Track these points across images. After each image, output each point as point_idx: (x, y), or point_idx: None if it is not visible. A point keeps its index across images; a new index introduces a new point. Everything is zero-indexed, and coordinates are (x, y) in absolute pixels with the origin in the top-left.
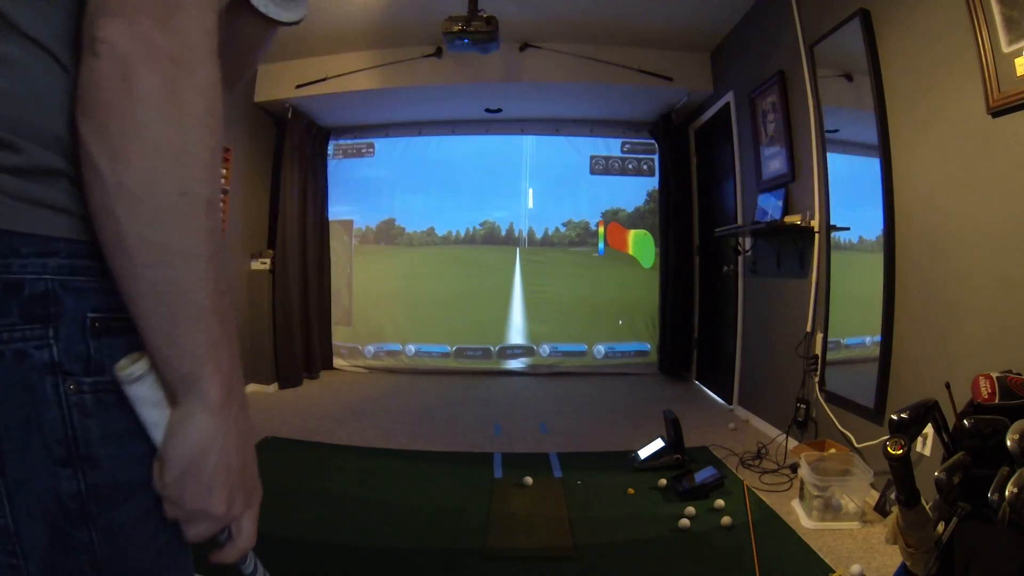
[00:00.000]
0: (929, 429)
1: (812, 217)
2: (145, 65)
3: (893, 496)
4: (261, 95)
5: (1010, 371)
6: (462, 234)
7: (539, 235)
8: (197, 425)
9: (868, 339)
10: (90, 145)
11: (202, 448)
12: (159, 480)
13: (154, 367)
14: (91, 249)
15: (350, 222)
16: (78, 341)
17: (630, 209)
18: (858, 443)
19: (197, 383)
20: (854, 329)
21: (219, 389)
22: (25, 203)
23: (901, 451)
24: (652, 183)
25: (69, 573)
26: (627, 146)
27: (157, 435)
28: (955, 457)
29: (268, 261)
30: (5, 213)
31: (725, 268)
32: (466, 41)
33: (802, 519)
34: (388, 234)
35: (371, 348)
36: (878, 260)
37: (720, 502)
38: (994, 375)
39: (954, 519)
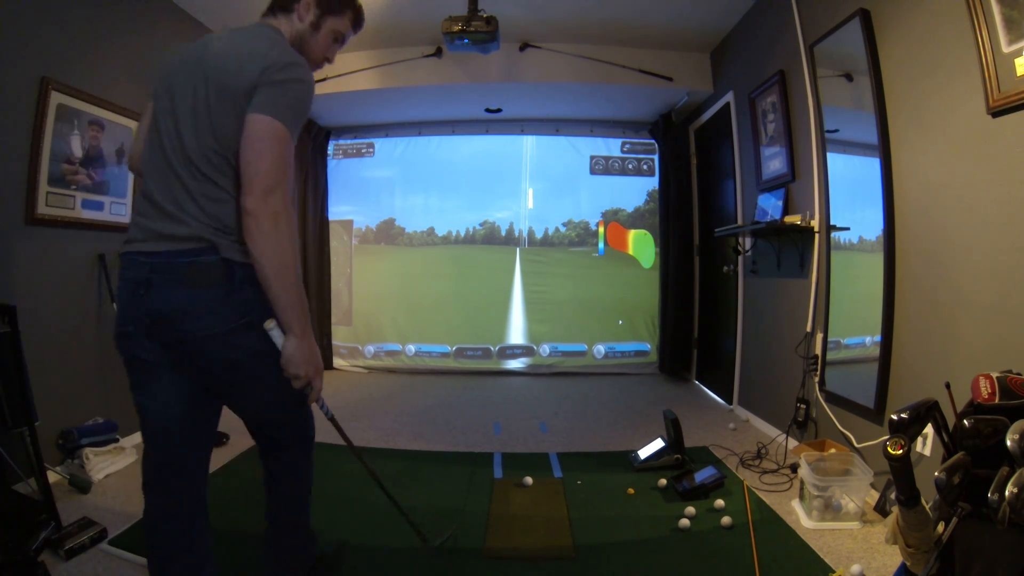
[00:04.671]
0: (929, 429)
1: (812, 217)
2: (271, 218)
3: (893, 496)
4: None
5: (1010, 371)
6: (462, 234)
7: (539, 235)
8: (292, 343)
9: (868, 339)
10: (257, 255)
11: (294, 348)
12: (283, 363)
13: (278, 323)
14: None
15: (350, 222)
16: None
17: (630, 209)
18: (858, 443)
19: (291, 328)
20: (854, 329)
21: (299, 332)
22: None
23: (901, 451)
24: (652, 183)
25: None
26: (627, 146)
27: (279, 343)
28: (955, 457)
29: None
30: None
31: (725, 268)
32: (466, 41)
33: (802, 519)
34: (388, 234)
35: (371, 348)
36: (878, 260)
37: (720, 502)
38: (994, 375)
39: (954, 519)
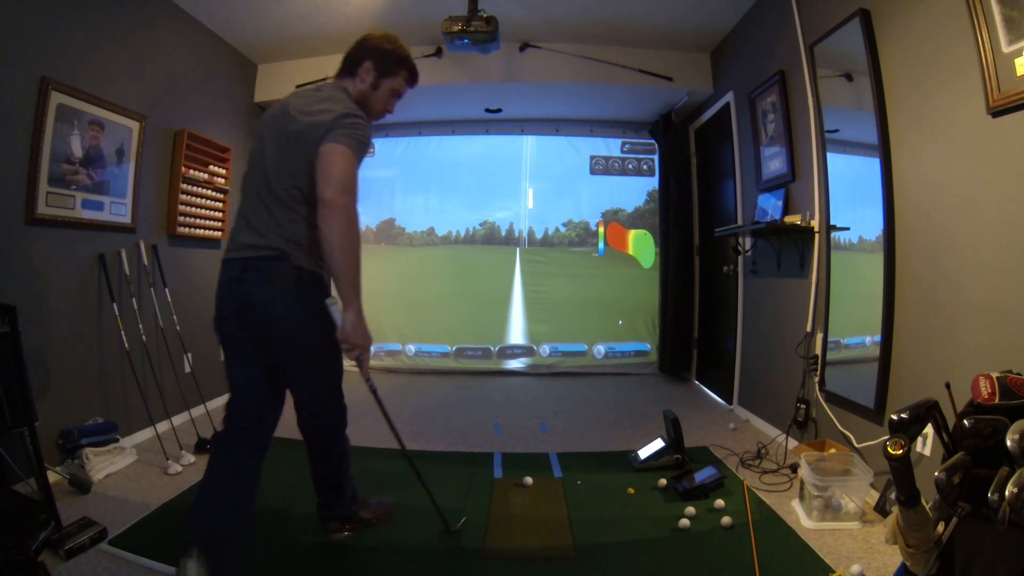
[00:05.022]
0: (929, 429)
1: (812, 217)
2: (344, 207)
3: (893, 496)
4: (261, 95)
5: (1010, 371)
6: (462, 234)
7: (539, 235)
8: (351, 316)
9: (868, 339)
10: (329, 234)
11: (352, 324)
12: (341, 336)
13: (337, 300)
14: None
15: None
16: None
17: (630, 209)
18: (858, 443)
19: (350, 303)
20: (854, 329)
21: (355, 307)
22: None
23: (901, 451)
24: (652, 183)
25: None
26: (627, 146)
27: (338, 319)
28: (955, 457)
29: None
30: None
31: (725, 268)
32: (466, 41)
33: (802, 519)
34: (388, 234)
35: (371, 348)
36: (878, 260)
37: (720, 502)
38: (994, 375)
39: (954, 519)
